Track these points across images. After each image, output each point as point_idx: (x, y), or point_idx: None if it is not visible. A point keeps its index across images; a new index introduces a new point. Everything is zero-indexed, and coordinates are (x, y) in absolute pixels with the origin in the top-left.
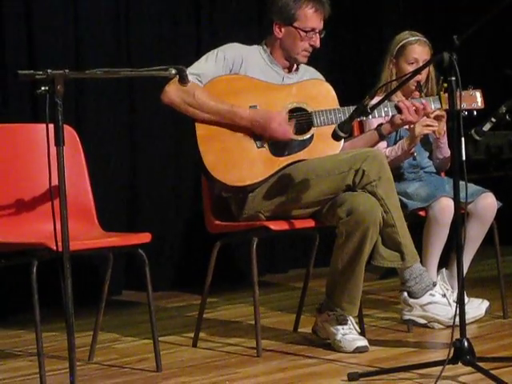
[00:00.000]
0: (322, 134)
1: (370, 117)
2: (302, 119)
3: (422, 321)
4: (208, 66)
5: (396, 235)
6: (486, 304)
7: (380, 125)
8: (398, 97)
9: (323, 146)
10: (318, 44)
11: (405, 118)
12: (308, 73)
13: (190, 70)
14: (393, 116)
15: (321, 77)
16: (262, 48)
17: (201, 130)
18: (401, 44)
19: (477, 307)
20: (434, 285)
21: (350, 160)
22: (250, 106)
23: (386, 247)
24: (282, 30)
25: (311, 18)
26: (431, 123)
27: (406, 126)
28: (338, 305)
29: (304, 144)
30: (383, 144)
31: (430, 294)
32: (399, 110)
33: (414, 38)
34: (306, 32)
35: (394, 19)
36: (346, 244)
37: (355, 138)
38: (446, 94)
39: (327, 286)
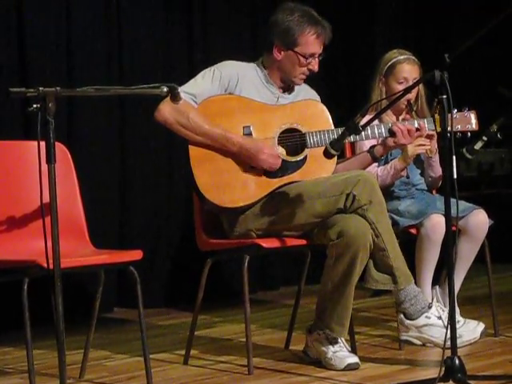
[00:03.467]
0: (316, 155)
1: (364, 137)
2: (296, 140)
3: (418, 342)
4: (204, 85)
5: (387, 259)
6: (481, 327)
7: (373, 147)
8: (388, 115)
9: (317, 167)
10: (316, 69)
11: (398, 141)
12: (303, 91)
13: (185, 89)
14: (385, 138)
15: (315, 94)
16: (258, 66)
17: (194, 150)
18: (390, 63)
19: (472, 330)
20: (430, 307)
21: (342, 184)
22: (244, 127)
23: (378, 270)
24: (282, 53)
25: (312, 44)
26: (424, 142)
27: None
28: (327, 326)
29: (297, 165)
30: (374, 163)
31: (426, 317)
32: (392, 134)
33: (402, 57)
34: (305, 58)
35: (385, 35)
36: (335, 266)
37: (348, 160)
38: None
39: (317, 307)
